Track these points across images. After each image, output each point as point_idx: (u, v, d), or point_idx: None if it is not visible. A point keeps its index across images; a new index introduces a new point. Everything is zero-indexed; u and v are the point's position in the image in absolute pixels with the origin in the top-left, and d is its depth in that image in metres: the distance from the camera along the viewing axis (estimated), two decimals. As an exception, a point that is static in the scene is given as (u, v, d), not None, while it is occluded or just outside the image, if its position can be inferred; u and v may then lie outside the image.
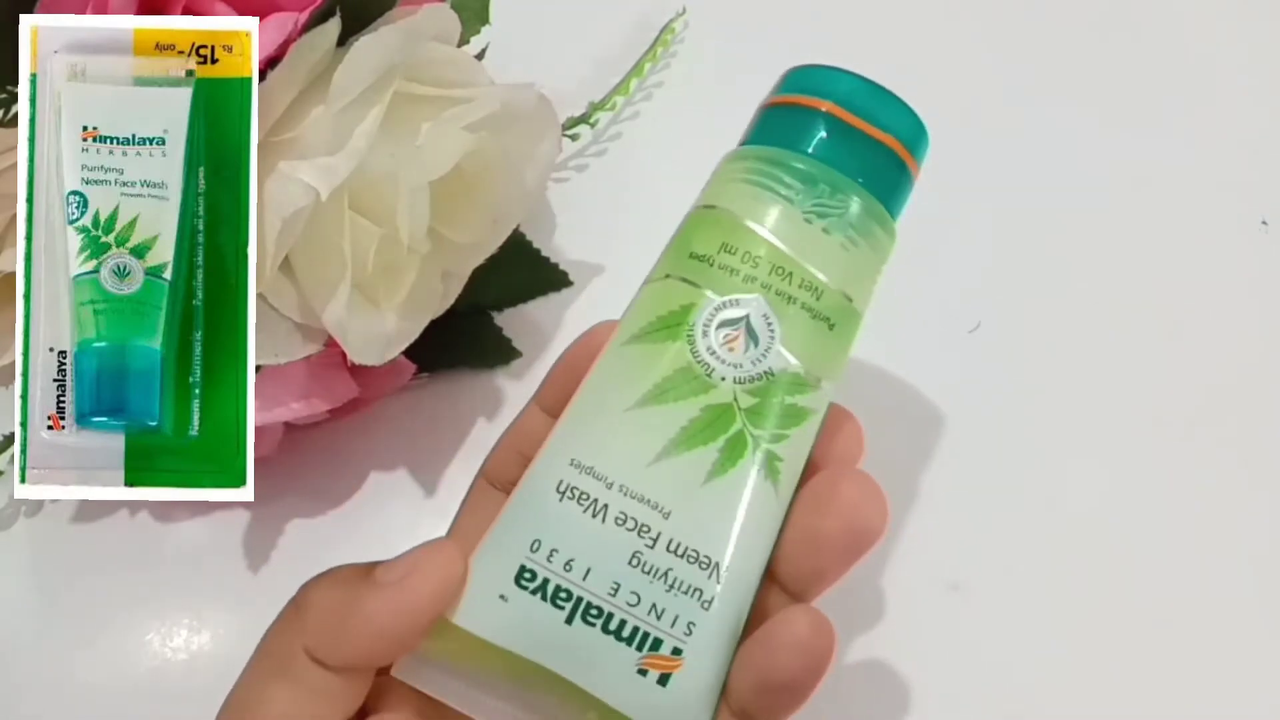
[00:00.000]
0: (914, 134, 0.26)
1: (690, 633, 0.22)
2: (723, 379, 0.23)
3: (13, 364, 0.29)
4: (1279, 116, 0.43)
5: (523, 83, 0.32)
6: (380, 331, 0.31)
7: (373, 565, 0.23)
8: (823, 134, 0.25)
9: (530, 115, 0.33)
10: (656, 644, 0.22)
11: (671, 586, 0.22)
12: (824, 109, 0.25)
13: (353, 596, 0.22)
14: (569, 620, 0.22)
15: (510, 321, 0.38)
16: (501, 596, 0.22)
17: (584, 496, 0.22)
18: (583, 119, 0.42)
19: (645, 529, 0.22)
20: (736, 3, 0.46)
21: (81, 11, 0.26)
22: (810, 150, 0.25)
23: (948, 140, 0.43)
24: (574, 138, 0.42)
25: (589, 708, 0.22)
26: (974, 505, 0.35)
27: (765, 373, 0.23)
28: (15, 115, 0.28)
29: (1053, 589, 0.34)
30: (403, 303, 0.32)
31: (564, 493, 0.23)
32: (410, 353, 0.33)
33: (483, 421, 0.37)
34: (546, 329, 0.39)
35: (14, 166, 0.27)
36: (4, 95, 0.28)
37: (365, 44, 0.28)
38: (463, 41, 0.32)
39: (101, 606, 0.35)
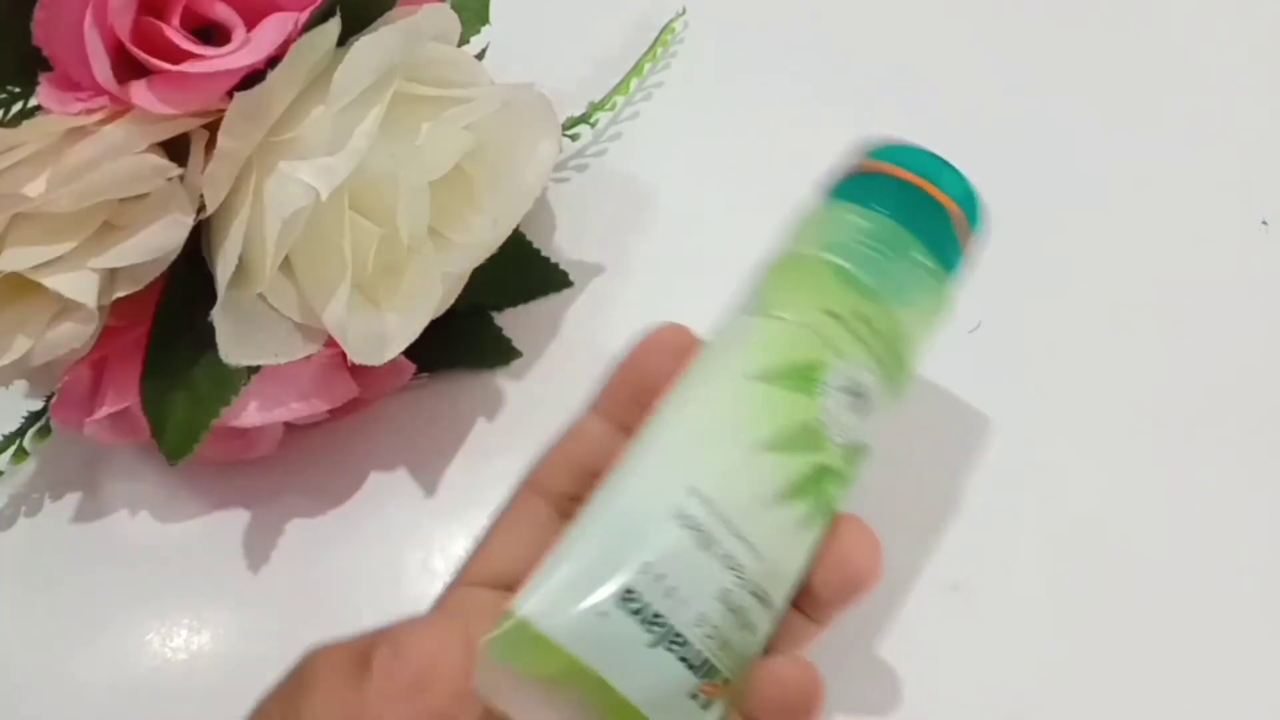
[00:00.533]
0: (982, 226, 0.29)
1: (739, 664, 0.23)
2: (833, 441, 0.24)
3: (13, 364, 0.29)
4: (1279, 116, 0.43)
5: (523, 83, 0.32)
6: (380, 331, 0.31)
7: (370, 647, 0.23)
8: (945, 236, 0.27)
9: (530, 115, 0.33)
10: (714, 673, 0.23)
11: (742, 624, 0.23)
12: (953, 213, 0.27)
13: (360, 699, 0.22)
14: (653, 645, 0.22)
15: (510, 321, 0.38)
16: (602, 613, 0.22)
17: (700, 528, 0.23)
18: (583, 119, 0.42)
19: (741, 569, 0.23)
20: (736, 3, 0.46)
21: (81, 13, 0.26)
22: (932, 246, 0.27)
23: (948, 140, 0.43)
24: (574, 138, 0.42)
25: None
26: (974, 505, 0.35)
27: (856, 443, 0.25)
28: (15, 115, 0.28)
29: (1053, 589, 0.34)
30: (403, 303, 0.32)
31: (681, 519, 0.23)
32: (410, 353, 0.33)
33: (483, 421, 0.37)
34: (546, 329, 0.39)
35: (14, 166, 0.27)
36: (4, 95, 0.28)
37: (365, 44, 0.28)
38: (463, 41, 0.32)
39: (101, 606, 0.35)
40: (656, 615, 0.22)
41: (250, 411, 0.32)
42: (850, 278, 0.26)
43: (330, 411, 0.34)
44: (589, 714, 0.22)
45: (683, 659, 0.22)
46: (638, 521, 0.23)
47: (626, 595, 0.22)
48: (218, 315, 0.28)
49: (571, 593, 0.22)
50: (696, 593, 0.22)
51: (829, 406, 0.24)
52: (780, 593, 0.24)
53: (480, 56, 0.36)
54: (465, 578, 0.26)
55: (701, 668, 0.23)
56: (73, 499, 0.37)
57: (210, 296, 0.29)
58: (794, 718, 0.23)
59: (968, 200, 0.28)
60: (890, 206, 0.27)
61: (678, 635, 0.22)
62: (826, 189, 0.29)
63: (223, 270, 0.28)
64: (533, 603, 0.22)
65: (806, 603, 0.25)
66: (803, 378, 0.24)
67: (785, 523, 0.24)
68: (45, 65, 0.27)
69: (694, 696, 0.23)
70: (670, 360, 0.26)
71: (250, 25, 0.28)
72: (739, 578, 0.23)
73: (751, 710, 0.23)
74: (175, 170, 0.28)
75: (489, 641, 0.22)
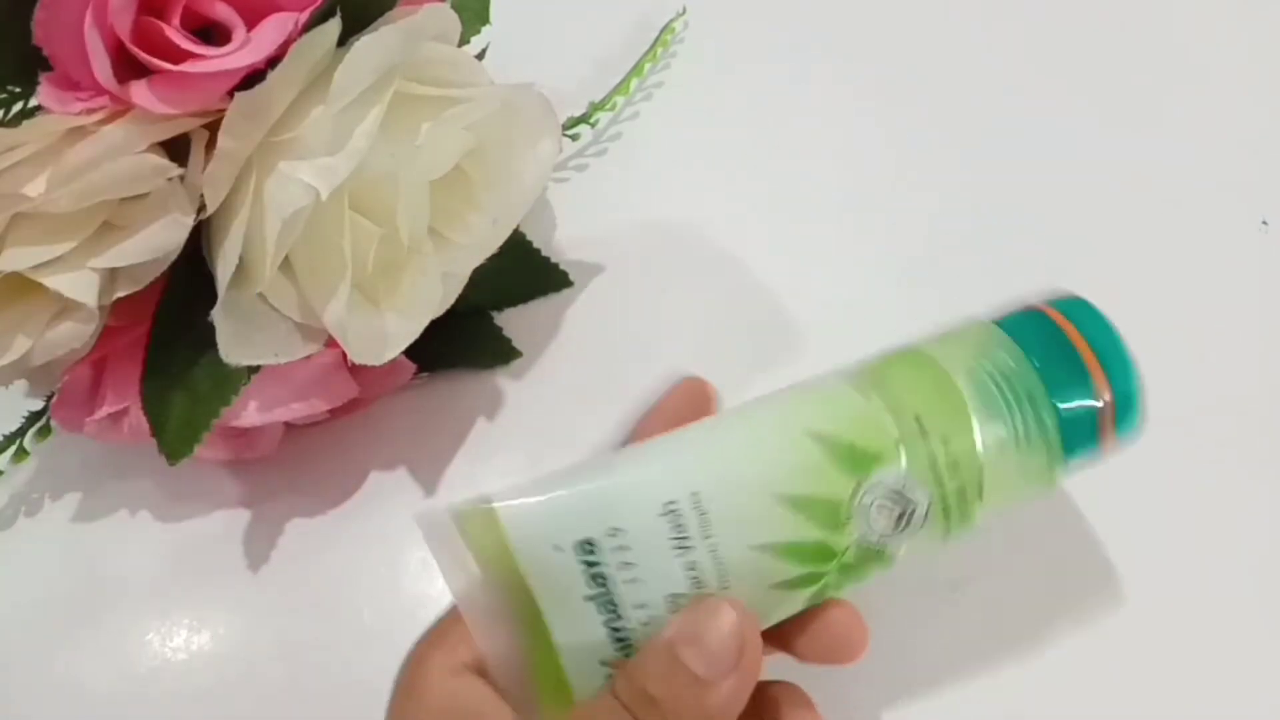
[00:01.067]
0: (1129, 433, 0.26)
1: None
2: (850, 533, 0.24)
3: (12, 364, 0.29)
4: (1279, 116, 0.43)
5: (523, 83, 0.32)
6: (380, 331, 0.31)
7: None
8: (1085, 424, 0.25)
9: (530, 115, 0.33)
10: (631, 653, 0.24)
11: None
12: (1103, 408, 0.25)
13: None
14: (589, 599, 0.23)
15: (510, 321, 0.38)
16: (556, 547, 0.23)
17: (681, 529, 0.23)
18: (583, 119, 0.42)
19: (701, 585, 0.24)
20: (736, 3, 0.46)
21: (81, 13, 0.26)
22: (1065, 425, 0.25)
23: (947, 139, 0.43)
24: (574, 138, 0.42)
25: (547, 668, 0.23)
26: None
27: (880, 549, 0.25)
28: (15, 115, 0.28)
29: (1052, 589, 0.34)
30: (403, 303, 0.32)
31: (668, 513, 0.23)
32: (410, 353, 0.33)
33: (483, 421, 0.37)
34: (546, 329, 0.39)
35: (14, 166, 0.27)
36: (4, 95, 0.28)
37: (365, 44, 0.28)
38: (463, 41, 0.32)
39: (101, 606, 0.35)
40: (603, 577, 0.23)
41: (250, 411, 0.32)
42: (959, 406, 0.25)
43: (330, 411, 0.34)
44: (512, 611, 0.23)
45: (610, 626, 0.23)
46: (631, 491, 0.24)
47: (585, 544, 0.23)
48: (218, 315, 0.28)
49: (544, 515, 0.23)
50: (650, 582, 0.23)
51: (865, 500, 0.24)
52: None
53: (480, 56, 0.36)
54: None
55: (623, 644, 0.23)
56: (73, 499, 0.37)
57: (210, 296, 0.29)
58: (841, 657, 0.26)
59: (1126, 402, 0.26)
60: (1046, 364, 0.25)
61: (614, 605, 0.23)
62: (995, 314, 0.27)
63: (223, 270, 0.28)
64: (512, 505, 0.24)
65: (778, 645, 0.26)
66: (855, 460, 0.24)
67: (766, 574, 0.24)
68: (45, 65, 0.27)
69: (604, 663, 0.24)
70: (696, 408, 0.28)
71: (250, 25, 0.28)
72: (694, 588, 0.23)
73: (802, 650, 0.26)
74: (175, 170, 0.28)
75: (455, 509, 0.24)
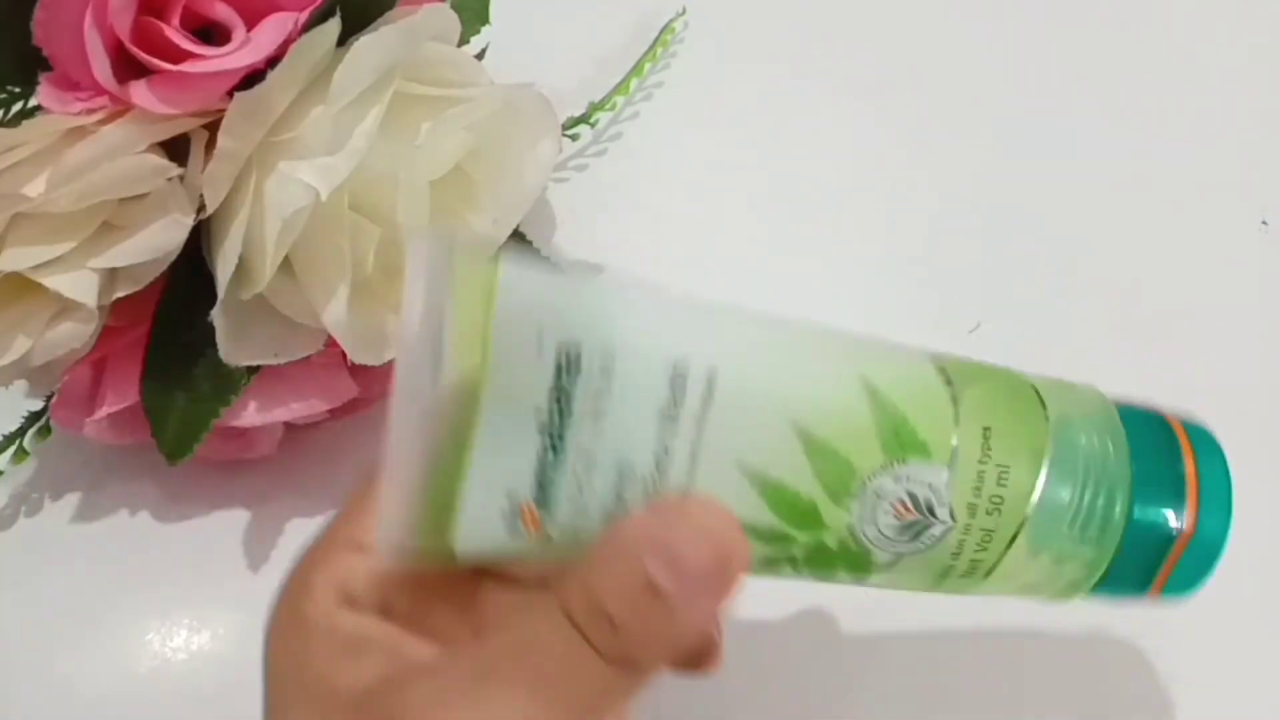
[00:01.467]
0: (1182, 589, 0.24)
1: (571, 533, 0.20)
2: (847, 512, 0.20)
3: (13, 364, 0.29)
4: (1279, 116, 0.43)
5: (523, 83, 0.32)
6: (380, 331, 0.31)
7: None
8: (1150, 552, 0.22)
9: (530, 115, 0.33)
10: (547, 509, 0.20)
11: (612, 512, 0.20)
12: (1178, 545, 0.23)
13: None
14: (536, 412, 0.19)
15: (510, 321, 0.38)
16: (539, 336, 0.19)
17: (677, 403, 0.19)
18: (583, 119, 0.42)
19: (662, 475, 0.20)
20: (736, 3, 0.46)
21: (81, 13, 0.26)
22: (1142, 516, 0.22)
23: (947, 139, 0.43)
24: (574, 138, 0.42)
25: (444, 481, 0.20)
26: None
27: (864, 551, 0.21)
28: (15, 115, 0.28)
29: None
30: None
31: (674, 376, 0.19)
32: (410, 353, 0.33)
33: (483, 421, 0.37)
34: (546, 329, 0.39)
35: (14, 166, 0.27)
36: (4, 95, 0.28)
37: (365, 44, 0.28)
38: (463, 41, 0.32)
39: (102, 607, 0.35)
40: (567, 398, 0.19)
41: (250, 411, 0.32)
42: (1038, 445, 0.21)
43: (330, 411, 0.34)
44: (447, 379, 0.18)
45: (540, 461, 0.19)
46: (648, 327, 0.20)
47: (570, 351, 0.19)
48: (218, 315, 0.28)
49: (545, 297, 0.19)
50: (611, 437, 0.19)
51: (884, 485, 0.20)
52: None
53: (480, 56, 0.36)
54: None
55: (542, 488, 0.19)
56: (73, 499, 0.37)
57: (210, 296, 0.29)
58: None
59: (1206, 554, 0.23)
60: (1143, 476, 0.22)
61: (558, 438, 0.19)
62: (1120, 398, 0.24)
63: (223, 270, 0.28)
64: (517, 267, 0.19)
65: None
66: (899, 436, 0.20)
67: (734, 505, 0.20)
68: (45, 65, 0.27)
69: (509, 497, 0.19)
70: None
71: (250, 25, 0.28)
72: (654, 472, 0.19)
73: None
74: (175, 170, 0.28)
75: (457, 242, 0.19)
